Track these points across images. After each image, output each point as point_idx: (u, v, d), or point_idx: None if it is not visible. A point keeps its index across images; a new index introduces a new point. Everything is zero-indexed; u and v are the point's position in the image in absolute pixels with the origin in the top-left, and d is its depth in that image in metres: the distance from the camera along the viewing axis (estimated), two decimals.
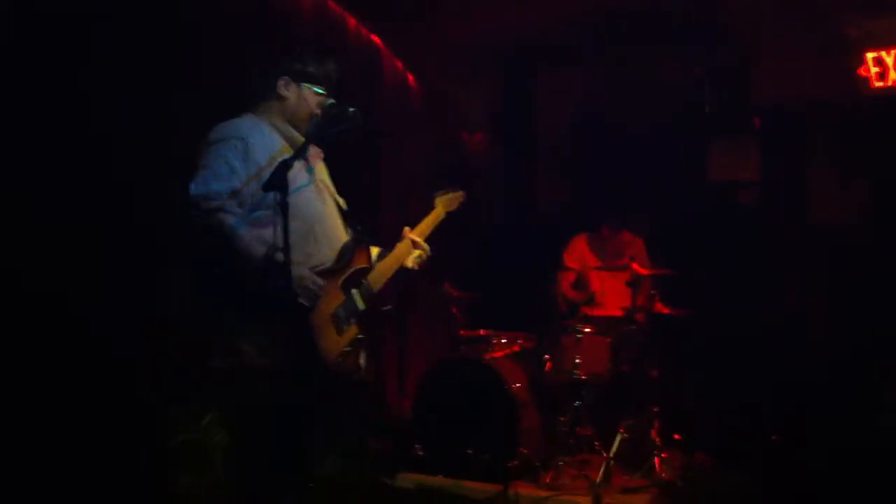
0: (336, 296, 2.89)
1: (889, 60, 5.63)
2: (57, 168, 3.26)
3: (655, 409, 4.95)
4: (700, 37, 6.11)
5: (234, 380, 2.74)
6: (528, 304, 5.90)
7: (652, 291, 5.25)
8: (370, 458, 4.60)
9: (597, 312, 5.59)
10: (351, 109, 2.89)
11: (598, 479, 4.55)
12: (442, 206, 3.47)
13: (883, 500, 4.13)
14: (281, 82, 2.94)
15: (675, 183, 6.46)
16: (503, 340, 5.27)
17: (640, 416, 4.94)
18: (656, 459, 4.76)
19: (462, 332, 5.34)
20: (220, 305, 2.74)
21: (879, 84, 5.67)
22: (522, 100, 7.24)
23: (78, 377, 3.27)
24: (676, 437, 5.09)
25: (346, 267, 2.95)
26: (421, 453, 4.85)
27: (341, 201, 3.13)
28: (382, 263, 3.12)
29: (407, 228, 3.27)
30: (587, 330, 5.09)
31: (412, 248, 3.22)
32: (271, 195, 2.61)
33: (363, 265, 3.03)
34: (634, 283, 5.10)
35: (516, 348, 5.24)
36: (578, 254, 5.86)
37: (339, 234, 3.02)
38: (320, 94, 2.95)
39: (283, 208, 2.49)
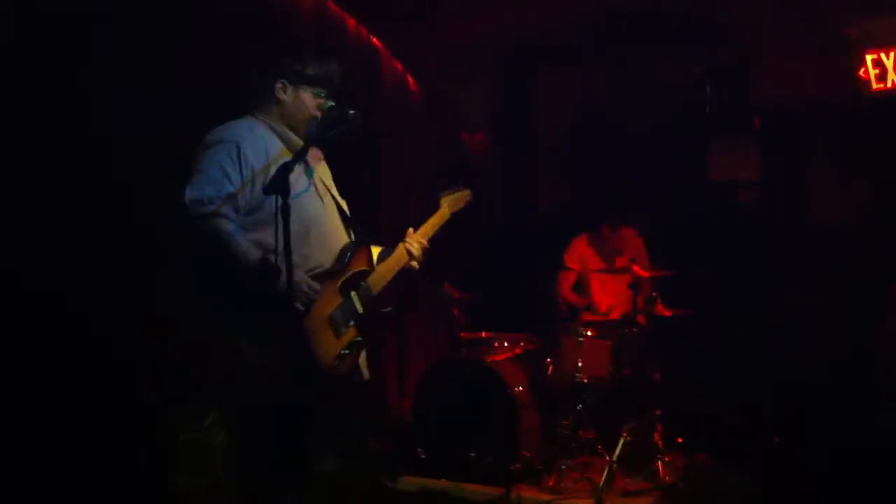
0: (333, 298, 2.87)
1: (889, 62, 5.63)
2: (57, 168, 3.26)
3: (658, 413, 4.95)
4: (700, 37, 6.11)
5: (234, 380, 2.74)
6: (528, 305, 5.91)
7: (653, 294, 5.24)
8: (371, 459, 4.59)
9: (598, 316, 5.59)
10: (351, 112, 2.86)
11: (600, 483, 4.55)
12: (447, 206, 3.39)
13: (883, 500, 4.13)
14: (278, 85, 2.92)
15: (675, 183, 6.46)
16: (505, 343, 5.25)
17: (642, 419, 4.93)
18: (659, 463, 4.75)
19: (463, 334, 5.33)
20: (220, 305, 2.73)
21: (879, 86, 5.68)
22: (522, 100, 7.24)
23: (78, 377, 3.27)
24: (679, 440, 5.09)
25: (345, 269, 2.93)
26: (423, 456, 4.85)
27: (343, 203, 3.11)
28: (383, 266, 3.09)
29: (410, 230, 3.22)
30: (588, 333, 5.09)
31: (410, 252, 3.15)
32: (267, 198, 2.62)
33: (362, 267, 3.00)
34: (635, 285, 5.10)
35: (518, 351, 5.23)
36: (579, 254, 5.85)
37: (339, 236, 3.00)
38: (319, 96, 2.93)
39: (285, 211, 2.47)
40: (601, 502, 4.37)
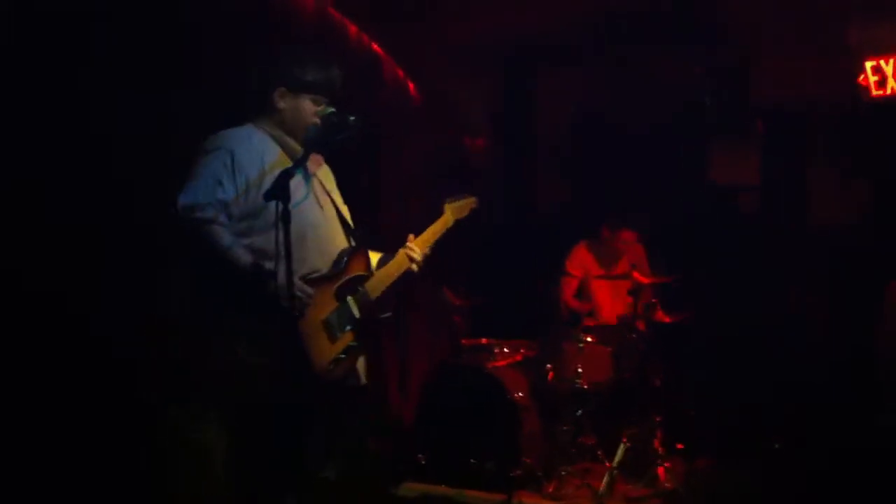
0: (329, 303, 2.86)
1: (888, 69, 5.63)
2: (57, 168, 3.26)
3: (658, 419, 4.95)
4: (700, 37, 6.11)
5: (232, 380, 2.74)
6: (528, 309, 5.91)
7: (652, 300, 5.24)
8: (371, 465, 4.59)
9: (599, 321, 5.59)
10: (352, 118, 2.85)
11: (601, 489, 4.56)
12: (451, 213, 3.36)
13: (883, 500, 4.13)
14: (276, 94, 2.91)
15: (675, 184, 6.46)
16: (505, 349, 5.26)
17: (642, 425, 4.94)
18: (659, 469, 4.76)
19: (464, 340, 5.33)
20: (219, 306, 2.74)
21: (879, 92, 5.68)
22: (522, 100, 7.23)
23: (78, 377, 3.27)
24: (679, 445, 5.09)
25: (341, 274, 2.92)
26: (423, 462, 4.85)
27: (344, 210, 3.11)
28: (382, 271, 3.07)
29: (411, 236, 3.19)
30: (589, 339, 5.10)
31: (410, 258, 3.13)
32: (263, 205, 2.65)
33: (360, 272, 2.99)
34: (636, 291, 5.10)
35: (518, 357, 5.24)
36: (580, 261, 5.85)
37: (337, 242, 2.99)
38: (318, 103, 2.91)
39: (286, 217, 2.48)
40: None
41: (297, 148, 2.91)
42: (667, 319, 5.19)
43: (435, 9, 5.52)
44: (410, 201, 5.87)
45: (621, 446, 4.77)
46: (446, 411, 4.88)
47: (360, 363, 3.03)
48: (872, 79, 5.66)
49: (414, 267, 3.13)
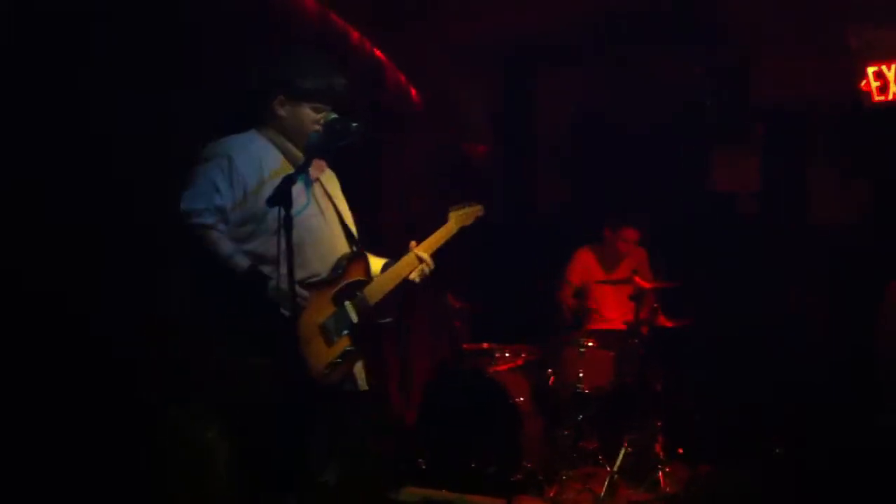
0: (326, 307, 2.86)
1: (890, 75, 5.64)
2: (57, 168, 3.25)
3: (659, 423, 4.95)
4: (700, 37, 6.11)
5: (233, 380, 2.74)
6: (530, 312, 5.90)
7: (654, 305, 5.24)
8: (373, 466, 4.58)
9: (600, 326, 5.59)
10: (354, 124, 2.84)
11: (602, 493, 4.57)
12: (455, 221, 3.36)
13: (883, 500, 4.13)
14: (276, 101, 2.91)
15: (675, 183, 6.46)
16: (506, 353, 5.27)
17: (643, 429, 4.94)
18: (660, 473, 4.77)
19: (465, 345, 5.33)
20: (218, 306, 2.74)
21: (881, 98, 5.69)
22: (522, 100, 7.24)
23: (78, 377, 3.27)
24: (680, 450, 5.09)
25: (340, 279, 2.91)
26: (424, 466, 4.84)
27: (347, 216, 3.11)
28: (383, 276, 3.07)
29: (413, 243, 3.19)
30: (590, 343, 5.11)
31: (416, 262, 3.13)
32: (262, 210, 2.68)
33: (359, 277, 2.98)
34: (637, 296, 5.10)
35: (520, 361, 5.25)
36: (581, 268, 5.84)
37: (338, 248, 2.99)
38: (319, 111, 2.90)
39: (287, 222, 2.48)
40: None
41: (299, 154, 2.91)
42: (668, 324, 5.19)
43: (436, 8, 5.52)
44: (412, 201, 5.87)
45: (622, 451, 4.79)
46: (447, 415, 4.89)
47: (359, 368, 3.03)
48: (874, 84, 5.67)
49: (416, 278, 3.13)
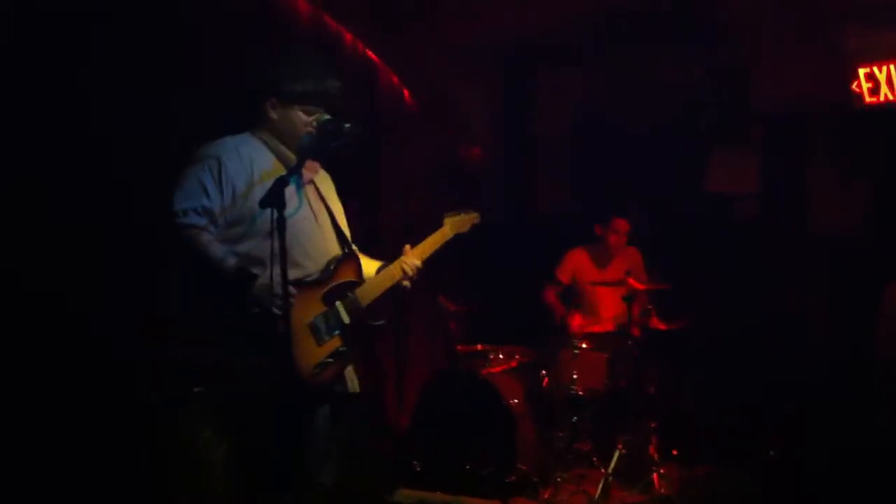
0: (315, 306, 2.87)
1: (881, 76, 5.64)
2: (57, 168, 3.26)
3: (653, 425, 4.95)
4: (700, 37, 6.11)
5: (230, 380, 2.74)
6: (525, 313, 5.90)
7: (648, 307, 5.24)
8: (369, 468, 4.59)
9: (593, 328, 5.58)
10: (347, 125, 2.84)
11: (596, 495, 4.57)
12: (451, 226, 3.37)
13: (883, 501, 4.13)
14: (268, 104, 2.92)
15: (675, 184, 6.46)
16: (500, 355, 5.27)
17: (637, 431, 4.94)
18: (654, 475, 4.76)
19: (459, 347, 5.33)
20: (216, 305, 2.75)
21: (872, 100, 5.69)
22: (522, 100, 7.23)
23: (78, 377, 3.27)
24: (674, 452, 5.09)
25: (329, 279, 2.92)
26: (419, 468, 4.84)
27: (341, 218, 3.11)
28: (375, 279, 3.08)
29: (407, 246, 3.20)
30: (584, 345, 5.11)
31: (407, 268, 3.14)
32: (252, 211, 2.72)
33: (349, 279, 2.99)
34: (630, 297, 5.10)
35: (514, 363, 5.25)
36: (572, 267, 5.82)
37: (330, 250, 2.99)
38: (311, 113, 2.91)
39: (280, 224, 2.50)
40: None
41: (292, 156, 2.92)
42: (662, 326, 5.19)
43: (435, 9, 5.52)
44: (410, 201, 5.87)
45: (616, 452, 4.78)
46: (442, 417, 4.89)
47: (350, 370, 3.03)
48: (866, 86, 5.68)
49: (406, 283, 3.14)
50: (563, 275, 5.81)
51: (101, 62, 3.43)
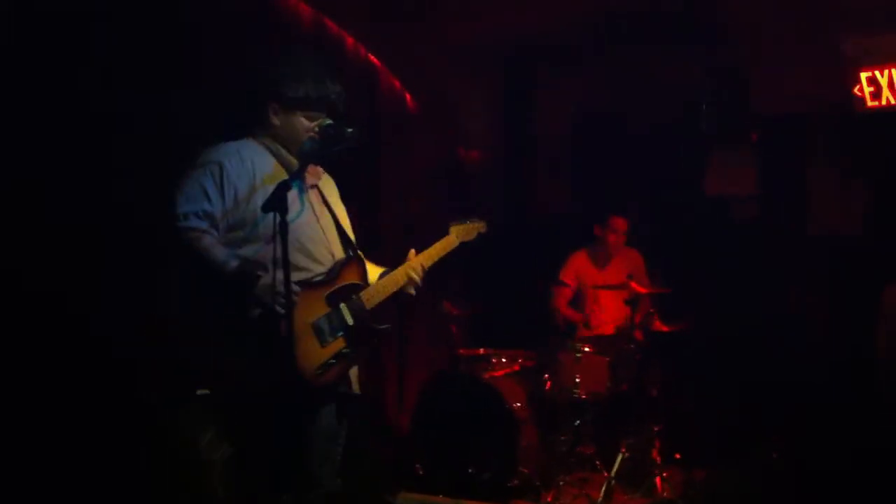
0: (318, 307, 2.87)
1: (883, 80, 5.64)
2: (57, 168, 3.26)
3: (656, 428, 4.95)
4: (700, 37, 6.11)
5: (231, 380, 2.74)
6: (527, 317, 5.89)
7: (650, 310, 5.24)
8: (370, 469, 4.58)
9: (596, 331, 5.58)
10: (349, 130, 2.85)
11: (599, 499, 4.57)
12: (456, 234, 3.39)
13: (883, 501, 4.13)
14: (269, 109, 2.92)
15: (675, 184, 6.46)
16: (503, 359, 5.27)
17: (640, 434, 4.94)
18: (657, 479, 4.76)
19: (461, 350, 5.32)
20: (217, 305, 2.75)
21: (874, 103, 5.69)
22: (522, 100, 7.23)
23: (78, 377, 3.27)
24: (677, 455, 5.09)
25: (334, 281, 2.92)
26: (421, 471, 4.84)
27: (345, 221, 3.11)
28: (380, 282, 3.07)
29: (412, 251, 3.21)
30: (586, 349, 5.10)
31: (413, 273, 3.15)
32: (253, 216, 2.74)
33: (353, 281, 2.99)
34: (633, 301, 5.09)
35: (516, 367, 5.25)
36: (575, 270, 5.83)
37: (333, 252, 2.99)
38: (312, 118, 2.91)
39: (283, 228, 2.50)
40: None
41: (294, 161, 2.93)
42: (664, 329, 5.18)
43: (435, 9, 5.52)
44: (410, 202, 5.87)
45: (619, 456, 4.78)
46: (444, 421, 4.89)
47: (353, 372, 3.03)
48: (868, 89, 5.68)
49: (411, 290, 3.14)
50: (568, 277, 5.81)
51: (101, 62, 3.43)
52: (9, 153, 3.13)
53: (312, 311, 2.85)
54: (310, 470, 2.87)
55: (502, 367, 5.21)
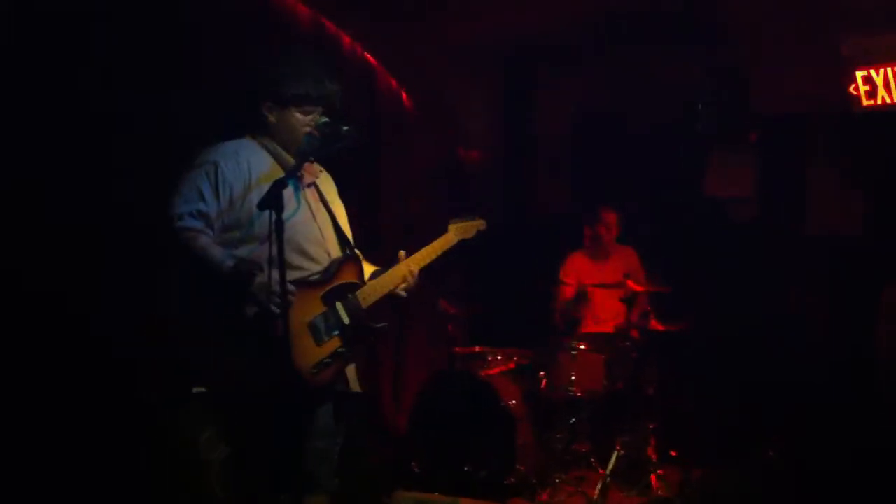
0: (314, 306, 2.87)
1: (878, 79, 5.64)
2: (57, 168, 3.26)
3: (651, 426, 4.95)
4: (700, 37, 6.11)
5: (230, 379, 2.74)
6: (529, 313, 5.89)
7: (646, 308, 5.23)
8: (367, 467, 4.58)
9: (592, 329, 5.58)
10: (345, 128, 2.85)
11: (594, 496, 4.57)
12: (455, 233, 3.38)
13: (883, 501, 4.13)
14: (264, 107, 2.93)
15: (674, 184, 6.46)
16: (498, 357, 5.27)
17: (636, 432, 4.94)
18: (653, 476, 4.77)
19: (457, 348, 5.32)
20: (216, 305, 2.75)
21: (869, 103, 5.68)
22: (522, 100, 7.23)
23: (78, 377, 3.27)
24: (672, 453, 5.09)
25: (330, 280, 2.92)
26: (417, 470, 4.84)
27: (343, 220, 3.11)
28: (376, 281, 3.07)
29: (402, 253, 3.18)
30: (582, 347, 5.11)
31: (408, 273, 3.13)
32: (249, 216, 2.75)
33: (350, 280, 2.99)
34: (629, 299, 5.09)
35: (511, 365, 5.25)
36: (574, 269, 5.83)
37: (330, 250, 2.99)
38: (308, 114, 2.91)
39: (278, 226, 2.51)
40: None
41: (291, 159, 2.93)
42: (661, 328, 5.18)
43: (435, 9, 5.52)
44: (410, 202, 5.87)
45: (614, 454, 4.78)
46: (440, 419, 4.88)
47: (351, 370, 3.03)
48: (863, 89, 5.67)
49: (402, 293, 3.12)
50: (568, 277, 5.81)
51: (101, 62, 3.43)
52: (9, 153, 3.13)
53: (308, 309, 2.85)
54: (308, 469, 2.87)
55: (497, 364, 5.21)
